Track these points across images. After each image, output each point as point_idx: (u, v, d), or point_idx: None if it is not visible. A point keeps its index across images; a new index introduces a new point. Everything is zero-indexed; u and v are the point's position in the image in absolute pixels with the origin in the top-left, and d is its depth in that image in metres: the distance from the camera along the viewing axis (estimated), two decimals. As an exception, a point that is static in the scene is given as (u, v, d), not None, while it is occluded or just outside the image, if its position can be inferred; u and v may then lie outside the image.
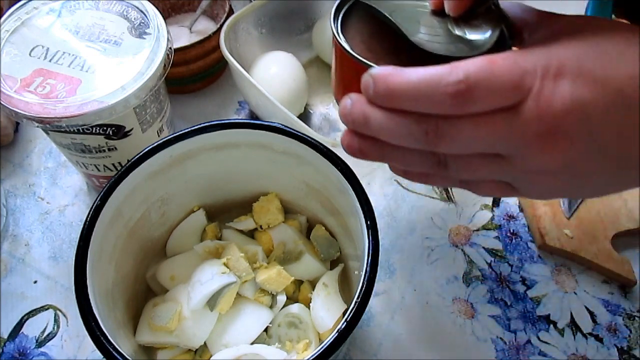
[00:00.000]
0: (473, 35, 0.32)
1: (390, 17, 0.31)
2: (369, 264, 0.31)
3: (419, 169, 0.32)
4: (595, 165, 0.30)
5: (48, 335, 0.43)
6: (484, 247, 0.48)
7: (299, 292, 0.41)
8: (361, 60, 0.31)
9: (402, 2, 0.34)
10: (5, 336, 0.43)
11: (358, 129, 0.31)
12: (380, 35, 0.33)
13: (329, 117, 0.55)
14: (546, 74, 0.28)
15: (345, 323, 0.29)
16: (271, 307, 0.39)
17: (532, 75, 0.28)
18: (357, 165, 0.35)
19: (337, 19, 0.33)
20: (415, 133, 0.29)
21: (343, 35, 0.32)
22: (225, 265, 0.38)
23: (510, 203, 0.50)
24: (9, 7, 0.42)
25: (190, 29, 0.56)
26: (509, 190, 0.33)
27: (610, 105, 0.28)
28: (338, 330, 0.29)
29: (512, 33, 0.33)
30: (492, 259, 0.47)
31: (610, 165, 0.30)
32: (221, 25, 0.51)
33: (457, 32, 0.32)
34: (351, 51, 0.31)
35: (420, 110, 0.29)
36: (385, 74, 0.29)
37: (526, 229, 0.49)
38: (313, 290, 0.39)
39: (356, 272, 0.37)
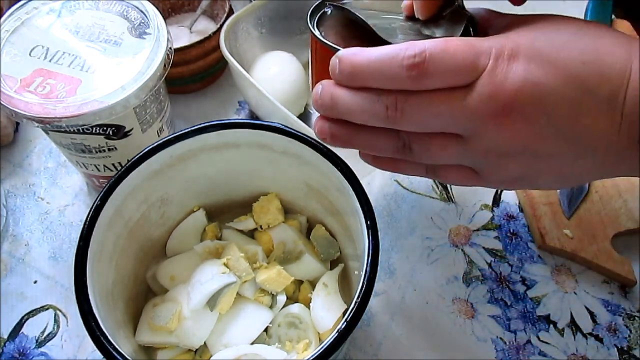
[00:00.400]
0: (440, 34, 0.33)
1: (366, 21, 0.33)
2: (369, 264, 0.31)
3: (386, 153, 0.33)
4: (553, 148, 0.30)
5: (48, 335, 0.44)
6: (484, 247, 0.48)
7: (299, 292, 0.41)
8: (331, 46, 0.33)
9: (376, 11, 0.36)
10: (5, 336, 0.43)
11: (327, 111, 0.33)
12: (354, 37, 0.35)
13: (329, 117, 0.55)
14: (500, 55, 0.29)
15: (345, 323, 0.29)
16: (271, 307, 0.39)
17: (486, 55, 0.29)
18: (357, 165, 0.35)
19: (314, 17, 0.35)
20: (377, 108, 0.31)
21: (319, 31, 0.35)
22: (225, 265, 0.38)
23: (510, 203, 0.50)
24: (9, 7, 0.42)
25: (190, 29, 0.56)
26: (473, 177, 0.34)
27: (565, 87, 0.29)
28: (338, 330, 0.29)
29: (477, 32, 0.34)
30: (492, 259, 0.47)
31: (568, 147, 0.30)
32: (221, 25, 0.51)
33: (426, 32, 0.34)
34: (323, 39, 0.34)
35: (381, 85, 0.30)
36: (350, 54, 0.31)
37: (526, 229, 0.49)
38: (313, 290, 0.39)
39: (356, 272, 0.37)
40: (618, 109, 0.29)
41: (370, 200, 0.33)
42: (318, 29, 0.35)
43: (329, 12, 0.36)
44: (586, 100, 0.29)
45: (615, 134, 0.29)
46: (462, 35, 0.33)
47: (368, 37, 0.33)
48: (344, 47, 0.33)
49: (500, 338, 0.44)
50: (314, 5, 0.36)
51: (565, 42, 0.29)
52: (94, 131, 0.40)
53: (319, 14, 0.36)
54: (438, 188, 0.51)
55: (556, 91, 0.29)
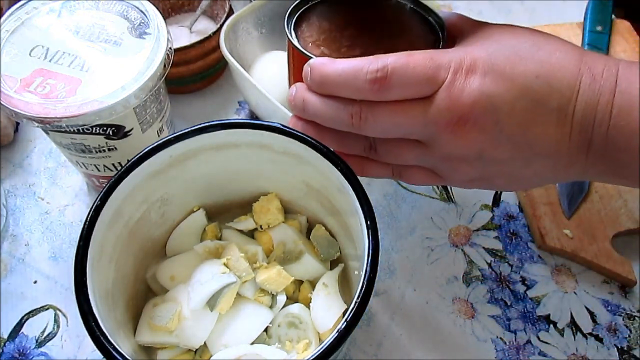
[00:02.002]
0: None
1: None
2: (369, 264, 0.31)
3: (354, 151, 0.36)
4: (505, 153, 0.33)
5: (48, 335, 0.44)
6: (484, 247, 0.48)
7: (299, 292, 0.41)
8: (304, 53, 0.36)
9: None
10: (5, 336, 0.43)
11: (299, 112, 0.36)
12: (328, 39, 0.38)
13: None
14: (459, 69, 0.32)
15: (345, 323, 0.29)
16: (271, 307, 0.39)
17: (445, 69, 0.32)
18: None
19: (291, 22, 0.39)
20: (342, 116, 0.33)
21: (295, 36, 0.38)
22: (225, 265, 0.38)
23: (511, 203, 0.50)
24: (9, 7, 0.42)
25: (190, 29, 0.56)
26: (435, 178, 0.37)
27: (517, 99, 0.31)
28: (338, 330, 0.29)
29: (446, 37, 0.38)
30: (492, 259, 0.47)
31: (519, 153, 0.32)
32: (221, 25, 0.51)
33: None
34: (298, 45, 0.37)
35: (347, 95, 0.33)
36: (320, 64, 0.34)
37: (526, 229, 0.49)
38: (313, 290, 0.39)
39: (356, 272, 0.37)
40: (568, 119, 0.31)
41: (370, 200, 0.33)
42: (297, 30, 0.38)
43: (305, 15, 0.40)
44: (537, 111, 0.31)
45: (566, 142, 0.32)
46: (430, 37, 0.38)
47: (340, 41, 0.37)
48: (318, 51, 0.37)
49: (500, 338, 0.44)
50: (291, 8, 0.39)
51: (522, 57, 0.32)
52: (94, 131, 0.40)
53: (295, 17, 0.39)
54: (438, 188, 0.51)
55: (509, 103, 0.31)
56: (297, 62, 0.37)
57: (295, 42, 0.37)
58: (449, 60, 0.32)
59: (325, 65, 0.33)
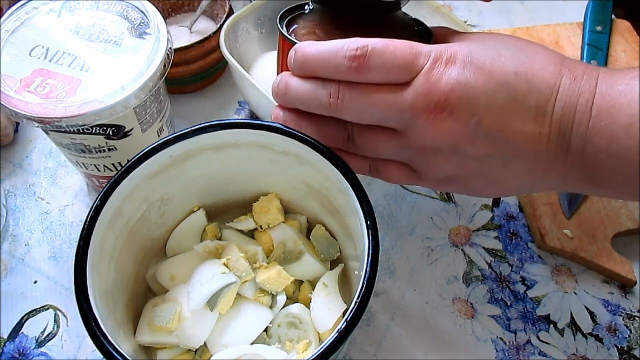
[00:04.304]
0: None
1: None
2: (369, 264, 0.31)
3: (333, 143, 0.36)
4: (482, 149, 0.32)
5: (48, 335, 0.44)
6: (484, 247, 0.48)
7: (299, 292, 0.41)
8: (291, 40, 0.37)
9: None
10: (5, 336, 0.43)
11: (281, 98, 0.36)
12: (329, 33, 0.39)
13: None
14: (438, 59, 0.32)
15: (345, 323, 0.29)
16: (271, 307, 0.39)
17: (425, 57, 0.32)
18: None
19: (284, 20, 0.40)
20: (321, 95, 0.34)
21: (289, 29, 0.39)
22: (225, 265, 0.38)
23: (511, 203, 0.50)
24: (9, 7, 0.42)
25: (190, 29, 0.56)
26: (411, 175, 0.37)
27: (494, 93, 0.31)
28: (338, 330, 0.29)
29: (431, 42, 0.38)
30: (492, 259, 0.47)
31: (496, 150, 0.32)
32: (221, 25, 0.51)
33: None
34: (286, 34, 0.38)
35: (327, 75, 0.33)
36: (304, 45, 0.34)
37: (526, 229, 0.49)
38: (313, 290, 0.39)
39: (356, 272, 0.37)
40: (547, 118, 0.31)
41: (370, 200, 0.33)
42: (288, 30, 0.39)
43: (307, 11, 0.41)
44: (515, 107, 0.31)
45: (544, 143, 0.32)
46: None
47: (338, 34, 0.38)
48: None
49: (500, 338, 0.44)
50: (284, 10, 0.40)
51: (501, 55, 0.32)
52: (94, 131, 0.40)
53: (288, 18, 0.40)
54: (438, 188, 0.51)
55: (487, 95, 0.31)
56: (285, 53, 0.38)
57: (284, 31, 0.38)
58: (429, 50, 0.32)
59: (308, 46, 0.34)
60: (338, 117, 0.34)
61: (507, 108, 0.31)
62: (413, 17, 0.41)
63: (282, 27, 0.39)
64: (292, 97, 0.35)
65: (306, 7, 0.41)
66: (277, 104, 0.38)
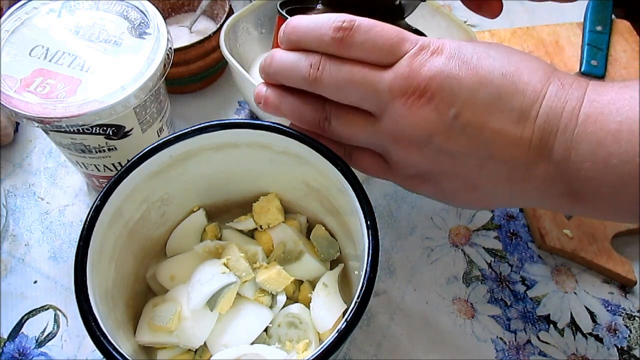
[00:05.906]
0: None
1: None
2: (369, 264, 0.31)
3: (310, 125, 0.36)
4: (458, 146, 0.31)
5: (48, 335, 0.44)
6: (484, 247, 0.48)
7: (299, 292, 0.41)
8: (285, 16, 0.37)
9: None
10: (5, 336, 0.43)
11: (265, 71, 0.36)
12: None
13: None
14: (425, 48, 0.32)
15: (345, 323, 0.29)
16: (271, 307, 0.39)
17: (412, 43, 0.32)
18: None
19: (285, 7, 0.40)
20: (302, 66, 0.34)
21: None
22: (225, 265, 0.38)
23: (510, 203, 0.50)
24: (9, 7, 0.42)
25: (190, 29, 0.56)
26: (383, 167, 0.36)
27: (477, 88, 0.30)
28: (338, 330, 0.29)
29: None
30: (492, 259, 0.47)
31: (473, 149, 0.31)
32: (221, 25, 0.51)
33: None
34: (284, 13, 0.38)
35: (310, 46, 0.34)
36: (295, 18, 0.34)
37: (526, 229, 0.49)
38: (313, 290, 0.39)
39: (356, 272, 0.37)
40: (529, 122, 0.30)
41: (370, 200, 0.33)
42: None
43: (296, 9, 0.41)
44: (497, 106, 0.30)
45: (524, 149, 0.30)
46: None
47: None
48: None
49: (500, 338, 0.44)
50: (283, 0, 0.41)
51: (490, 55, 0.31)
52: (94, 131, 0.40)
53: (290, 7, 0.41)
54: (438, 188, 0.51)
55: (469, 90, 0.30)
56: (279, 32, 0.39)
57: (282, 12, 0.39)
58: (417, 39, 0.32)
59: (299, 19, 0.34)
60: (316, 92, 0.34)
61: (489, 106, 0.30)
62: (415, 28, 0.41)
63: (280, 9, 0.39)
64: (275, 68, 0.35)
65: (315, 10, 0.41)
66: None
